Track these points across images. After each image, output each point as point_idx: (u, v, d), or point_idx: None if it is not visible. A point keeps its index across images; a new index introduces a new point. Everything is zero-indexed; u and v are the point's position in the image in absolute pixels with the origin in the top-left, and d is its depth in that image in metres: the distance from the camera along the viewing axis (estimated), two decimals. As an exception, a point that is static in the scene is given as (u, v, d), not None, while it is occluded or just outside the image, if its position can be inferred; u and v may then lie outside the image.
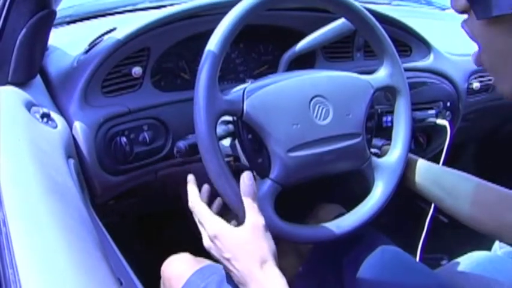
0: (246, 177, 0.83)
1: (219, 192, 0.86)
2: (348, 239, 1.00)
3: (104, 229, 0.85)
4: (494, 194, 0.98)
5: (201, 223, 0.85)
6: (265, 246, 0.79)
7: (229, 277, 0.97)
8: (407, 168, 1.09)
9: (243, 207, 0.82)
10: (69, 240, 0.59)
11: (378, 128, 1.15)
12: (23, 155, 0.73)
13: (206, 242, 0.83)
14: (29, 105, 0.89)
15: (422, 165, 1.09)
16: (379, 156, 1.10)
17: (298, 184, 0.96)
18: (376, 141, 1.16)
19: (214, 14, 1.09)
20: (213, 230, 0.81)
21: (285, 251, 1.19)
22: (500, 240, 1.02)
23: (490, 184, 1.00)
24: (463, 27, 0.61)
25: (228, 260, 0.79)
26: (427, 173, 1.07)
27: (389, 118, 1.16)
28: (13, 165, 0.70)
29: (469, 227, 1.00)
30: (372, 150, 1.13)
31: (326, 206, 1.27)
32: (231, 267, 0.80)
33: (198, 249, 1.10)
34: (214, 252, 0.82)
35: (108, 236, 0.84)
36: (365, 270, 1.03)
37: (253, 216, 0.81)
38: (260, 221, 0.81)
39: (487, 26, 0.56)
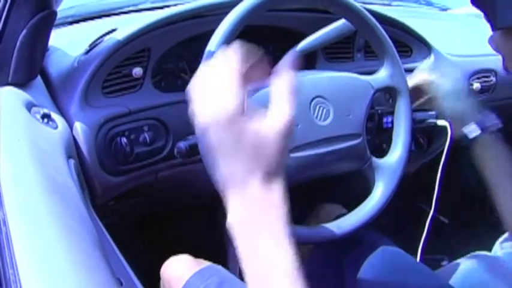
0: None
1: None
2: (349, 239, 1.00)
3: (104, 229, 0.85)
4: None
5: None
6: (279, 154, 0.59)
7: (229, 278, 0.97)
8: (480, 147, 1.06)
9: None
10: (69, 240, 0.59)
11: (378, 128, 1.15)
12: (23, 155, 0.73)
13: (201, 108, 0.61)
14: (29, 106, 0.89)
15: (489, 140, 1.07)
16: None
17: (299, 184, 0.96)
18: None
19: (215, 14, 1.09)
20: (227, 103, 0.58)
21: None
22: None
23: None
24: (489, 43, 0.67)
25: (219, 149, 0.57)
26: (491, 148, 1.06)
27: (389, 119, 1.16)
28: (13, 166, 0.70)
29: (476, 223, 1.00)
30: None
31: (327, 206, 1.27)
32: (220, 150, 0.57)
33: (198, 251, 1.11)
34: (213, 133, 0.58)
35: (109, 236, 0.84)
36: (366, 270, 1.03)
37: (275, 118, 0.60)
38: (283, 122, 0.60)
39: (502, 36, 0.63)
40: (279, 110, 0.60)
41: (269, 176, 0.58)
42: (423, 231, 1.24)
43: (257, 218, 0.56)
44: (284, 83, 0.62)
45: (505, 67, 0.67)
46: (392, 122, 1.11)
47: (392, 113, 1.11)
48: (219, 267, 1.04)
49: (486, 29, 0.74)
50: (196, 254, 1.10)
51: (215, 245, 0.89)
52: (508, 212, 0.99)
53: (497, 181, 1.01)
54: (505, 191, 1.00)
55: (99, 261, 0.61)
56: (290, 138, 0.59)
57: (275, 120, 0.59)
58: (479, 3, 0.64)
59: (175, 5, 1.23)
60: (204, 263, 1.07)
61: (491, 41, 0.66)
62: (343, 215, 1.02)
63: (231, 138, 0.56)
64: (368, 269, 1.03)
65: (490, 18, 0.63)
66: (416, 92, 1.13)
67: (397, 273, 1.01)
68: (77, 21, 1.39)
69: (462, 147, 1.08)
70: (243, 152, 0.56)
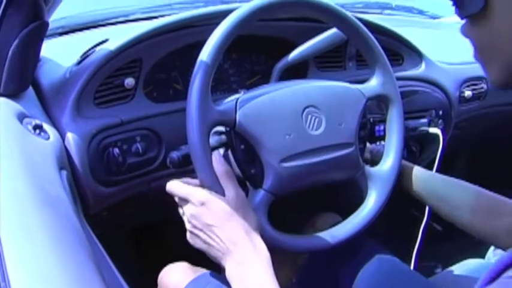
0: (217, 156, 0.87)
1: None
2: (344, 248, 1.00)
3: (97, 240, 0.85)
4: (489, 201, 1.00)
5: (184, 197, 0.85)
6: (250, 217, 0.83)
7: (224, 285, 0.97)
8: (403, 176, 1.09)
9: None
10: (61, 252, 0.59)
11: (370, 137, 1.15)
12: (15, 167, 0.73)
13: (188, 209, 0.84)
14: (21, 117, 0.88)
15: (417, 173, 1.10)
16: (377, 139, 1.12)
17: (294, 194, 0.96)
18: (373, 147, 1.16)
19: (207, 24, 1.10)
20: (202, 196, 0.82)
21: (280, 261, 1.19)
22: (497, 245, 1.02)
23: (485, 191, 1.01)
24: (461, 32, 0.67)
25: (211, 226, 0.81)
26: (423, 182, 1.08)
27: (381, 127, 1.16)
28: (5, 177, 0.70)
29: (466, 232, 1.01)
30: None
31: (323, 215, 1.27)
32: (213, 235, 0.81)
33: (195, 259, 1.10)
34: (196, 220, 0.83)
35: (101, 247, 0.84)
36: (362, 279, 1.03)
37: (232, 191, 0.84)
38: (242, 194, 0.85)
39: (469, 26, 0.64)
40: (228, 192, 0.84)
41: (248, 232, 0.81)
42: (417, 238, 1.24)
43: (247, 265, 0.79)
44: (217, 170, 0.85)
45: (475, 56, 0.67)
46: (384, 130, 1.12)
47: (384, 121, 1.11)
48: (216, 274, 1.04)
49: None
50: (193, 263, 1.10)
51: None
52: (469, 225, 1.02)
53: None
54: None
55: (92, 272, 0.60)
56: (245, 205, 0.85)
57: (229, 201, 0.83)
58: None
59: (166, 15, 1.23)
60: (201, 270, 1.06)
61: (462, 30, 0.67)
62: (339, 223, 1.02)
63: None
64: (364, 277, 1.03)
65: (457, 7, 0.64)
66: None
67: (392, 282, 1.01)
68: (68, 32, 1.39)
69: (455, 154, 1.09)
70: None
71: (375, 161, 1.11)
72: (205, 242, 0.83)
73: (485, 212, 0.99)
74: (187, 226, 0.86)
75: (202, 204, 0.82)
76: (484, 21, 0.60)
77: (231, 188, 0.84)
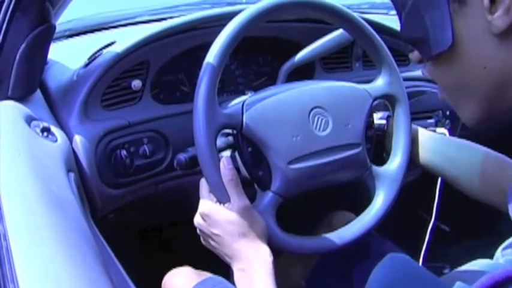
0: (226, 161, 0.86)
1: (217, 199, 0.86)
2: (354, 248, 1.00)
3: (104, 242, 0.85)
4: (495, 162, 1.00)
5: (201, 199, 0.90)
6: (254, 224, 0.85)
7: None
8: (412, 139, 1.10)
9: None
10: (69, 254, 0.59)
11: (377, 137, 1.15)
12: (23, 170, 0.73)
13: (196, 219, 0.89)
14: (29, 120, 0.89)
15: (424, 135, 1.10)
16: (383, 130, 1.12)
17: (301, 195, 0.96)
18: (382, 116, 1.16)
19: (213, 26, 1.10)
20: (205, 207, 0.87)
21: (293, 261, 1.19)
22: (502, 209, 1.02)
23: (493, 152, 1.02)
24: (422, 73, 0.67)
25: (218, 236, 0.85)
26: (429, 142, 1.08)
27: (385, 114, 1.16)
28: (14, 180, 0.70)
29: (471, 197, 1.01)
30: (378, 122, 1.14)
31: (338, 214, 1.27)
32: (221, 243, 0.86)
33: (200, 263, 1.11)
34: (203, 228, 0.88)
35: (109, 249, 0.84)
36: (375, 279, 1.02)
37: (237, 198, 0.85)
38: (245, 201, 0.86)
39: (434, 66, 0.62)
40: (232, 201, 0.85)
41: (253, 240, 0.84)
42: (424, 239, 1.24)
43: (250, 272, 0.83)
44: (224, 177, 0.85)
45: (441, 96, 0.66)
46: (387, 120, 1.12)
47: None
48: (220, 278, 1.04)
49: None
50: (197, 266, 1.10)
51: (216, 256, 0.89)
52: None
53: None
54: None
55: (100, 274, 0.61)
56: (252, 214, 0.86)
57: (233, 209, 0.85)
58: (411, 38, 0.63)
59: (173, 17, 1.24)
60: (205, 275, 1.06)
61: (425, 71, 0.66)
62: (353, 220, 1.02)
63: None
64: (377, 277, 1.02)
65: (420, 49, 0.62)
66: None
67: (406, 281, 1.01)
68: (76, 35, 1.39)
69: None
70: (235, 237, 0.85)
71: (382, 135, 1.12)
72: (215, 246, 0.88)
73: (491, 174, 0.99)
74: (198, 231, 0.91)
75: (207, 216, 0.86)
76: (452, 60, 0.58)
77: (235, 196, 0.85)
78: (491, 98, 0.58)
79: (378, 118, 1.14)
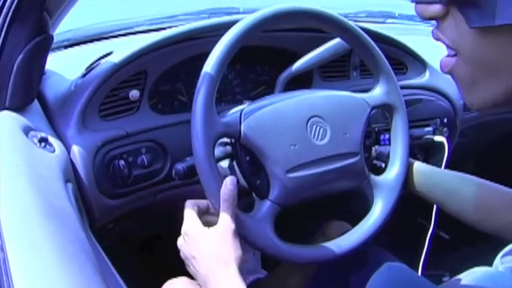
0: (229, 181, 0.85)
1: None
2: (353, 256, 1.00)
3: (103, 253, 0.85)
4: (497, 195, 0.99)
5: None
6: (231, 250, 0.82)
7: None
8: (409, 172, 1.09)
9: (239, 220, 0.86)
10: (68, 265, 0.59)
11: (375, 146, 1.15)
12: (21, 180, 0.73)
13: (179, 240, 0.87)
14: (26, 130, 0.89)
15: (423, 169, 1.09)
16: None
17: (299, 204, 0.96)
18: (383, 149, 1.15)
19: (211, 36, 1.10)
20: (186, 226, 0.85)
21: (291, 270, 1.19)
22: (505, 240, 1.02)
23: (492, 185, 1.01)
24: (433, 34, 0.54)
25: (193, 258, 0.83)
26: (429, 176, 1.08)
27: (386, 136, 1.16)
28: (11, 191, 0.70)
29: (474, 227, 1.00)
30: (377, 162, 1.14)
31: (333, 224, 1.27)
32: (195, 267, 0.83)
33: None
34: (184, 250, 0.86)
35: (108, 260, 0.84)
36: (373, 287, 1.02)
37: (226, 219, 0.83)
38: (231, 225, 0.83)
39: (478, 35, 0.49)
40: (220, 220, 0.84)
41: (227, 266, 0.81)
42: (423, 247, 1.24)
43: None
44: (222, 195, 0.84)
45: (451, 66, 0.55)
46: (389, 139, 1.11)
47: (389, 130, 1.11)
48: None
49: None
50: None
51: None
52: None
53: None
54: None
55: (98, 285, 0.60)
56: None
57: (217, 230, 0.83)
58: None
59: (170, 27, 1.24)
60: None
61: (438, 32, 0.53)
62: (349, 231, 1.02)
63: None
64: (375, 285, 1.02)
65: (474, 10, 0.47)
66: None
67: None
68: (73, 45, 1.39)
69: (461, 162, 1.09)
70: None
71: (381, 161, 1.11)
72: (192, 271, 0.86)
73: (493, 207, 0.98)
74: (181, 255, 0.89)
75: (186, 234, 0.85)
76: (507, 32, 0.46)
77: (225, 217, 0.84)
78: None
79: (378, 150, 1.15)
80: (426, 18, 0.53)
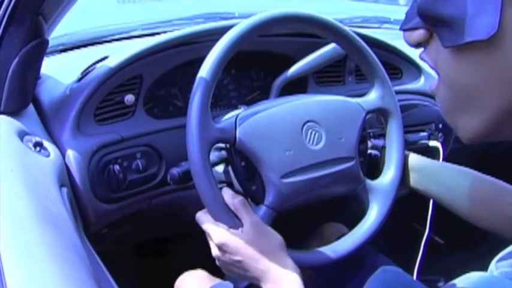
0: (226, 192, 0.88)
1: (213, 218, 0.86)
2: (348, 260, 1.00)
3: (98, 258, 0.85)
4: (492, 188, 0.99)
5: (207, 233, 0.88)
6: (269, 241, 0.85)
7: None
8: (405, 165, 1.10)
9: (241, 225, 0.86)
10: (62, 271, 0.58)
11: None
12: (15, 185, 0.73)
13: (214, 251, 0.88)
14: (21, 134, 0.89)
15: (419, 161, 1.09)
16: (378, 159, 1.12)
17: (295, 208, 0.96)
18: (377, 142, 1.16)
19: (206, 41, 1.10)
20: (219, 238, 0.85)
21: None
22: (500, 235, 1.02)
23: (488, 178, 1.01)
24: (421, 58, 0.53)
25: (240, 262, 0.84)
26: (425, 169, 1.08)
27: (381, 141, 1.16)
28: (6, 195, 0.69)
29: (469, 222, 1.00)
30: (372, 152, 1.14)
31: (330, 226, 1.27)
32: (243, 269, 0.85)
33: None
34: (224, 259, 0.86)
35: (103, 266, 0.83)
36: None
37: (247, 217, 0.85)
38: (255, 218, 0.86)
39: (453, 55, 0.47)
40: (244, 222, 0.85)
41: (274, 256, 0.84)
42: (418, 252, 1.24)
43: (282, 285, 0.83)
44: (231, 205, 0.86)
45: (435, 91, 0.53)
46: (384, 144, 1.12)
47: (384, 135, 1.11)
48: (229, 283, 1.05)
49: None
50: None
51: (209, 269, 0.89)
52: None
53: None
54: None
55: (93, 290, 0.60)
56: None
57: (248, 231, 0.85)
58: (435, 13, 0.47)
59: (166, 31, 1.24)
60: (217, 279, 1.08)
61: (424, 55, 0.52)
62: (345, 234, 1.02)
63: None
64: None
65: (446, 29, 0.46)
66: None
67: None
68: (69, 49, 1.39)
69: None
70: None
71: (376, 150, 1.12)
72: (240, 273, 0.87)
73: (488, 200, 0.98)
74: (218, 263, 0.90)
75: (223, 245, 0.85)
76: (485, 54, 0.44)
77: (246, 218, 0.85)
78: (503, 118, 0.47)
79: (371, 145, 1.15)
80: (414, 44, 0.52)
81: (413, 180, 1.09)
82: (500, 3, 0.42)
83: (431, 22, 0.48)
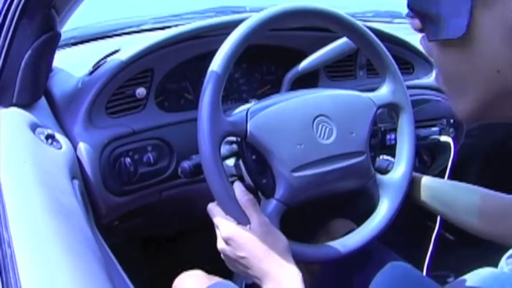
0: (237, 185, 0.89)
1: (223, 211, 0.86)
2: (357, 256, 1.00)
3: (109, 250, 0.85)
4: (496, 201, 0.99)
5: (216, 225, 0.88)
6: (275, 241, 0.85)
7: None
8: (411, 187, 1.09)
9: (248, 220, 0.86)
10: (74, 262, 0.59)
11: (381, 146, 1.15)
12: (28, 177, 0.73)
13: (220, 244, 0.88)
14: (33, 127, 0.89)
15: (420, 181, 1.10)
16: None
17: (305, 203, 0.96)
18: (382, 162, 1.15)
19: (217, 34, 1.10)
20: (227, 232, 0.85)
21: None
22: (508, 246, 1.01)
23: (492, 193, 1.00)
24: (421, 43, 0.58)
25: (243, 258, 0.84)
26: (428, 189, 1.08)
27: (393, 136, 1.16)
28: (18, 187, 0.70)
29: (478, 239, 1.01)
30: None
31: (337, 222, 1.27)
32: (246, 265, 0.84)
33: (205, 271, 1.11)
34: (228, 253, 0.86)
35: (114, 258, 0.84)
36: (376, 286, 1.02)
37: (255, 216, 0.86)
38: (262, 218, 0.86)
39: (439, 47, 0.53)
40: (252, 220, 0.86)
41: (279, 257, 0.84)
42: (429, 247, 1.23)
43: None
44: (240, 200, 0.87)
45: (436, 77, 0.59)
46: (395, 139, 1.11)
47: (395, 130, 1.11)
48: (229, 282, 1.05)
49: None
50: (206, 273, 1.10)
51: (221, 263, 0.89)
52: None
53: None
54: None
55: (104, 283, 0.60)
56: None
57: (255, 229, 0.85)
58: (420, 11, 0.53)
59: (177, 25, 1.24)
60: (215, 279, 1.07)
61: (422, 41, 0.57)
62: (353, 230, 1.02)
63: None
64: (378, 285, 1.02)
65: (429, 26, 0.52)
66: None
67: None
68: (81, 42, 1.40)
69: (467, 163, 1.08)
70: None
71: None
72: (242, 270, 0.87)
73: (492, 213, 0.98)
74: (222, 257, 0.90)
75: (229, 239, 0.85)
76: (462, 50, 0.50)
77: (255, 216, 0.85)
78: (487, 103, 0.52)
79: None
80: (416, 30, 0.56)
81: (417, 200, 1.10)
82: (469, 5, 0.47)
83: (418, 16, 0.54)
